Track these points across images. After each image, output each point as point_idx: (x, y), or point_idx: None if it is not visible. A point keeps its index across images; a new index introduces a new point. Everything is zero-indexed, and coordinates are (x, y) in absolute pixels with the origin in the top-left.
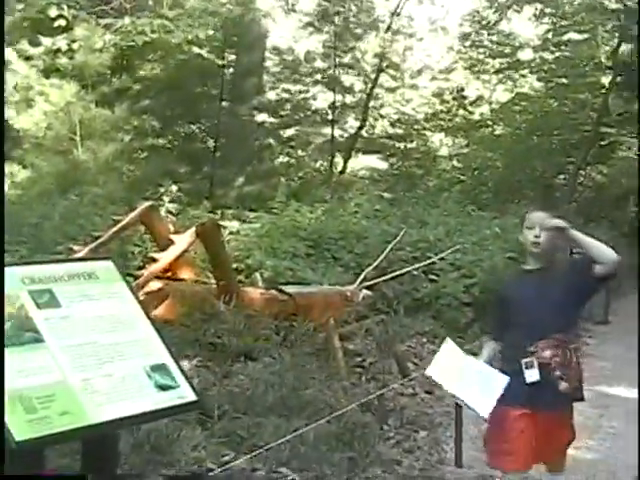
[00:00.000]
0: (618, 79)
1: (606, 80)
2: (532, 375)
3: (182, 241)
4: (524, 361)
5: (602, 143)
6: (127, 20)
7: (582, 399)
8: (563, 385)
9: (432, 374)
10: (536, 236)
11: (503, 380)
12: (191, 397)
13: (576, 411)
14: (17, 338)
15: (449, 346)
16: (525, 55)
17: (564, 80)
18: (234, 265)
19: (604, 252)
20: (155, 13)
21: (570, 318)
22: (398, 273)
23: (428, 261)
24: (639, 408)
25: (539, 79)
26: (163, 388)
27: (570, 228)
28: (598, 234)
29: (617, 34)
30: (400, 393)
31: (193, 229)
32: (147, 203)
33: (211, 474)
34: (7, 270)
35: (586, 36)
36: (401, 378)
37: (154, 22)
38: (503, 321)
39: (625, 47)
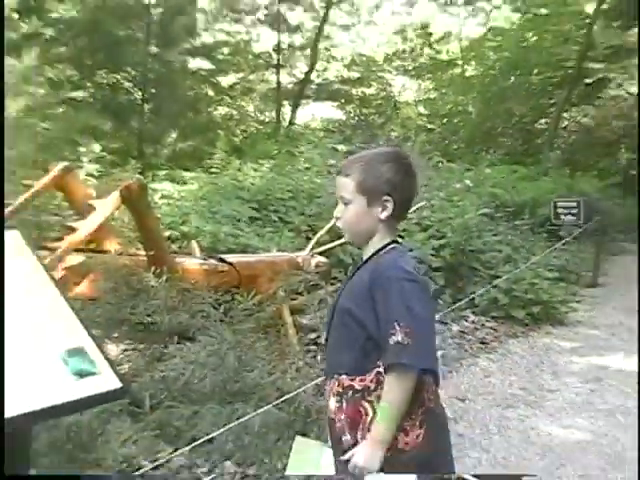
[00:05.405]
0: (604, 7)
1: (591, 8)
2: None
3: (105, 207)
4: None
5: (588, 81)
6: None
7: None
8: (353, 462)
9: None
10: (336, 217)
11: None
12: (115, 384)
13: (564, 386)
14: None
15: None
16: None
17: (543, 10)
18: (167, 233)
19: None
20: None
21: (357, 346)
22: None
23: None
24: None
25: (515, 10)
26: (82, 375)
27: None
28: (586, 186)
29: None
30: None
31: (117, 193)
32: (62, 164)
33: (143, 472)
34: None
35: None
36: None
37: None
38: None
39: None
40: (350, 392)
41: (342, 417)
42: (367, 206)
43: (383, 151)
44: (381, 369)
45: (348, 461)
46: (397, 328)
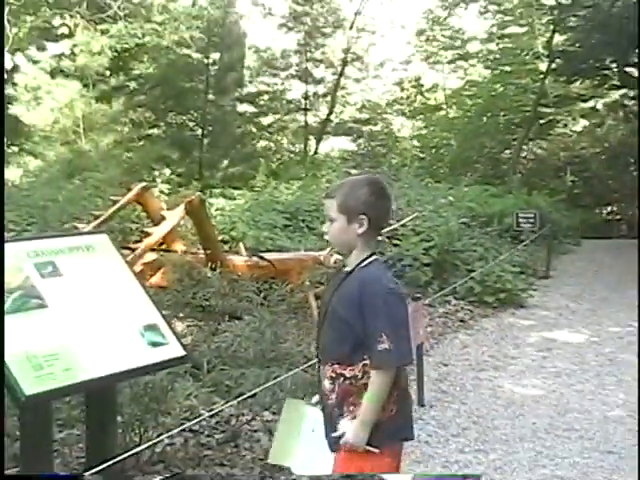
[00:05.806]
0: (553, 65)
1: (543, 66)
2: (315, 399)
3: (173, 217)
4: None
5: (541, 122)
6: (121, 25)
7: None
8: (345, 438)
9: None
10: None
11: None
12: (180, 352)
13: (523, 354)
14: (24, 305)
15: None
16: (473, 47)
17: (507, 68)
18: (220, 237)
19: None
20: (145, 18)
21: (348, 343)
22: None
23: (391, 227)
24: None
25: (486, 67)
26: (155, 345)
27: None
28: (540, 201)
29: (551, 26)
30: None
31: (182, 206)
32: (141, 184)
33: (201, 419)
34: (14, 245)
35: (525, 29)
36: None
37: (145, 26)
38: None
39: (559, 37)
40: (341, 379)
41: (333, 396)
42: (347, 223)
43: (361, 178)
44: (367, 361)
45: (340, 437)
46: (383, 337)
